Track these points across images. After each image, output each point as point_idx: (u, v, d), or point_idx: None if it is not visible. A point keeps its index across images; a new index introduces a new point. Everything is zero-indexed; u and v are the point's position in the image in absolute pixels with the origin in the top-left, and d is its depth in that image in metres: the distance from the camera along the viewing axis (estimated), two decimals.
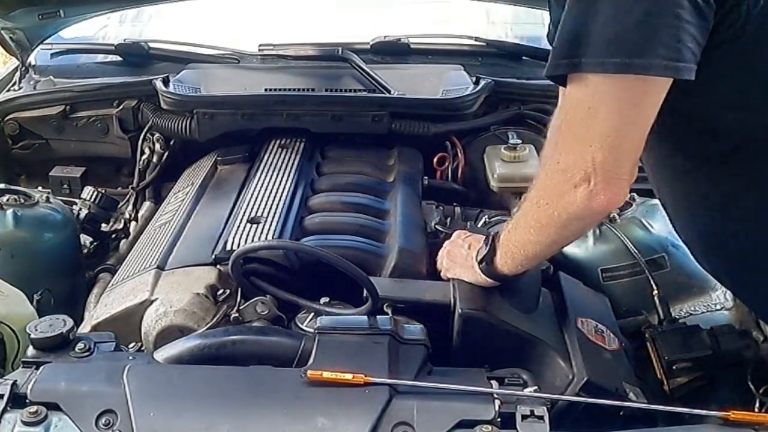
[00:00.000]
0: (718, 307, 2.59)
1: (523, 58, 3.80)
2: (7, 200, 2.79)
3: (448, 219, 2.79)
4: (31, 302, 2.47)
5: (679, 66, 1.74)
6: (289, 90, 3.46)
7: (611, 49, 1.74)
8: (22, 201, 2.82)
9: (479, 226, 2.75)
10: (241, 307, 2.28)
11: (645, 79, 1.76)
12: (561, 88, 1.99)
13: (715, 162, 1.98)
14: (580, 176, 1.85)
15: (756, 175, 1.96)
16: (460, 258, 2.29)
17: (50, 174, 3.50)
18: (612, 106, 1.80)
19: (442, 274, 2.34)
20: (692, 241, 2.23)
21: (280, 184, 2.87)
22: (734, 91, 1.87)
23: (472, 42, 3.85)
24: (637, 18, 1.71)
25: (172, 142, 3.48)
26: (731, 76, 1.85)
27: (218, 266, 2.43)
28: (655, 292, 2.50)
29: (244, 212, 2.67)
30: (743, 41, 1.80)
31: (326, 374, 1.78)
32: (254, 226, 2.58)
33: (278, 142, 3.26)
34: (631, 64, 1.73)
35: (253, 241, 2.48)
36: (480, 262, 2.20)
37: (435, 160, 3.29)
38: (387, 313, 2.13)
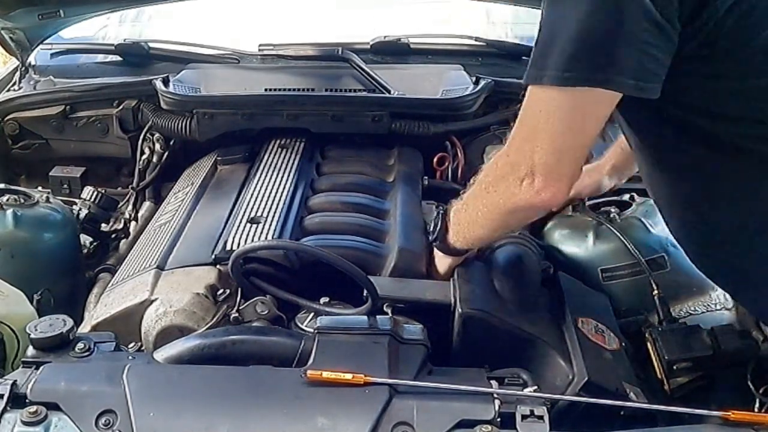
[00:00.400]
0: (718, 307, 2.59)
1: (523, 58, 3.78)
2: (7, 200, 2.79)
3: None
4: (31, 302, 2.47)
5: (640, 84, 1.80)
6: (289, 90, 3.46)
7: (571, 64, 1.80)
8: (22, 201, 2.82)
9: None
10: (241, 307, 2.29)
11: (598, 92, 1.82)
12: None
13: (705, 166, 2.00)
14: (525, 172, 1.95)
15: (746, 178, 1.97)
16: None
17: (50, 174, 3.50)
18: (563, 115, 1.88)
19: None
20: (685, 243, 2.24)
21: (280, 184, 2.87)
22: (709, 101, 1.91)
23: (472, 42, 3.85)
24: (600, 36, 1.78)
25: (172, 142, 3.48)
26: (704, 87, 1.90)
27: (218, 266, 2.43)
28: (655, 292, 2.50)
29: (244, 212, 2.67)
30: (715, 56, 1.83)
31: (326, 374, 1.78)
32: (254, 226, 2.58)
33: (278, 142, 3.26)
34: (588, 79, 1.80)
35: (253, 241, 2.48)
36: (434, 240, 2.37)
37: (435, 160, 3.29)
38: (387, 313, 2.13)
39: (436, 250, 2.41)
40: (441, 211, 2.38)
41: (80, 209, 3.18)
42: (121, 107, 3.56)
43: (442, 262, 2.41)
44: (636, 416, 1.86)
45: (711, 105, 1.90)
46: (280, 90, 3.45)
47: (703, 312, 2.58)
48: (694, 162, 2.00)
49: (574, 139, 1.93)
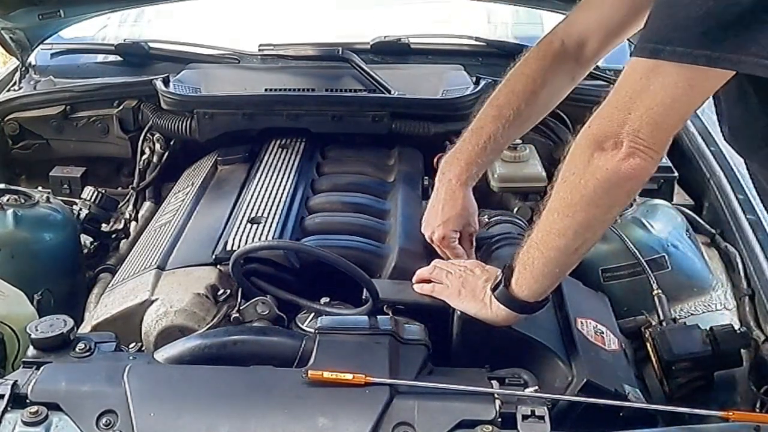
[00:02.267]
0: (719, 307, 2.59)
1: None
2: (8, 200, 2.79)
3: None
4: (32, 302, 2.47)
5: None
6: (290, 90, 3.46)
7: (702, 42, 1.70)
8: (23, 201, 2.81)
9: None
10: (241, 308, 2.28)
11: (719, 72, 1.75)
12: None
13: None
14: (611, 141, 1.82)
15: None
16: (473, 287, 2.16)
17: (50, 174, 3.49)
18: (676, 91, 1.77)
19: (435, 290, 2.23)
20: None
21: (280, 185, 2.87)
22: None
23: (473, 42, 3.85)
24: (733, 15, 1.68)
25: (172, 142, 3.48)
26: None
27: (218, 266, 2.43)
28: (656, 292, 2.50)
29: (245, 212, 2.67)
30: None
31: (327, 374, 1.78)
32: (254, 226, 2.58)
33: (278, 142, 3.26)
34: (720, 58, 1.71)
35: (253, 241, 2.48)
36: (495, 288, 2.07)
37: (435, 160, 3.27)
38: (387, 314, 2.13)
39: (489, 301, 2.09)
40: (508, 263, 2.11)
41: (80, 209, 3.17)
42: (121, 107, 3.55)
43: (499, 316, 2.10)
44: (636, 416, 1.87)
45: None
46: (280, 90, 3.45)
47: (703, 312, 2.59)
48: None
49: (677, 114, 1.82)
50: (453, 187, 2.52)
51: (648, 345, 2.39)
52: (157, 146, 3.46)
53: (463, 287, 2.17)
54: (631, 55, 1.83)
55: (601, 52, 2.50)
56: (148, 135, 3.49)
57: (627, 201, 2.05)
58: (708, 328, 2.34)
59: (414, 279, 2.31)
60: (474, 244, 2.55)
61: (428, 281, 2.27)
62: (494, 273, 2.15)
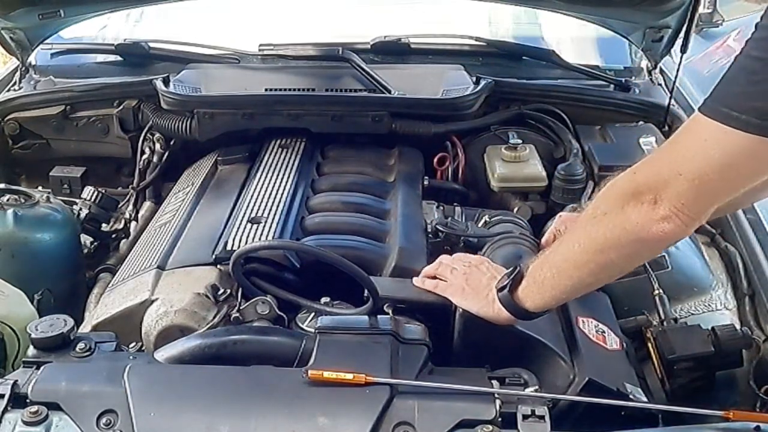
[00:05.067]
0: (719, 306, 2.59)
1: (524, 58, 3.80)
2: (8, 200, 2.79)
3: (449, 219, 2.78)
4: (32, 302, 2.47)
5: None
6: (290, 90, 3.46)
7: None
8: (23, 201, 2.81)
9: (479, 226, 2.74)
10: (241, 307, 2.28)
11: None
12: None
13: None
14: (651, 195, 1.77)
15: None
16: (477, 284, 2.16)
17: (50, 174, 3.50)
18: (736, 161, 1.71)
19: (438, 287, 2.24)
20: None
21: (280, 184, 2.87)
22: None
23: (473, 42, 3.85)
24: None
25: (172, 142, 3.48)
26: None
27: (219, 266, 2.43)
28: (656, 291, 2.50)
29: (245, 212, 2.67)
30: None
31: (327, 374, 1.78)
32: (255, 226, 2.58)
33: (278, 142, 3.26)
34: None
35: (253, 241, 2.48)
36: (501, 290, 2.07)
37: (435, 159, 3.28)
38: (388, 313, 2.13)
39: (493, 300, 2.09)
40: (520, 266, 2.11)
41: (80, 209, 3.18)
42: (121, 107, 3.56)
43: (501, 316, 2.09)
44: (637, 416, 1.87)
45: None
46: (280, 90, 3.45)
47: (703, 312, 2.59)
48: None
49: (728, 187, 1.77)
50: None
51: (649, 345, 2.39)
52: (158, 146, 3.46)
53: (467, 284, 2.17)
54: (699, 110, 1.75)
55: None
56: (149, 135, 3.50)
57: (649, 257, 2.09)
58: (710, 328, 2.34)
59: (420, 275, 2.31)
60: None
61: (433, 277, 2.27)
62: (500, 271, 2.16)
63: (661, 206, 1.75)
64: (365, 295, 2.12)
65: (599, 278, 2.01)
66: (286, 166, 3.04)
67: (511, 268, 2.10)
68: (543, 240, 2.46)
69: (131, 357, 2.03)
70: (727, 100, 1.69)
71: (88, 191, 3.26)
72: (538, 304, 2.04)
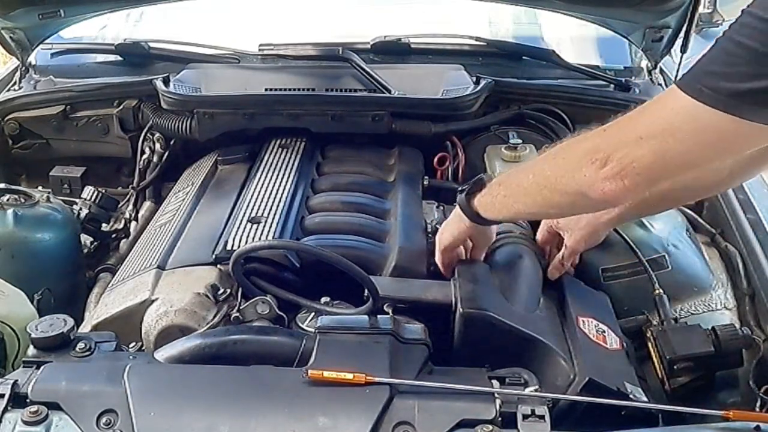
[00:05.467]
0: (719, 306, 2.59)
1: (523, 58, 3.80)
2: (8, 200, 2.79)
3: None
4: (32, 302, 2.47)
5: None
6: (290, 90, 3.46)
7: (747, 98, 1.66)
8: (23, 201, 2.81)
9: None
10: (241, 307, 2.28)
11: (759, 128, 1.70)
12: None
13: None
14: (603, 154, 1.81)
15: None
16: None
17: (50, 174, 3.51)
18: (708, 138, 1.73)
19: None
20: None
21: (280, 184, 2.87)
22: None
23: (473, 42, 3.84)
24: None
25: (172, 142, 3.48)
26: None
27: (219, 266, 2.43)
28: (656, 291, 2.50)
29: (245, 212, 2.68)
30: None
31: (327, 374, 1.78)
32: (255, 225, 2.58)
33: (278, 141, 3.26)
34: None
35: (253, 240, 2.48)
36: (461, 191, 2.28)
37: (435, 159, 3.28)
38: (388, 313, 2.12)
39: (456, 210, 2.31)
40: (484, 175, 2.29)
41: (80, 209, 3.18)
42: (121, 107, 3.56)
43: (453, 224, 2.34)
44: (637, 416, 1.87)
45: None
46: (280, 90, 3.45)
47: (703, 312, 2.59)
48: None
49: (687, 159, 1.78)
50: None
51: (649, 344, 2.40)
52: (158, 146, 3.46)
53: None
54: (675, 83, 1.77)
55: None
56: (149, 135, 3.50)
57: (592, 211, 2.22)
58: (710, 328, 2.35)
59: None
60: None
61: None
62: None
63: (608, 166, 1.80)
64: (365, 294, 2.12)
65: (545, 211, 2.23)
66: (286, 166, 3.04)
67: (475, 178, 2.28)
68: (538, 237, 2.48)
69: (131, 357, 2.03)
70: (704, 77, 1.71)
71: (88, 191, 3.26)
72: (490, 215, 2.23)
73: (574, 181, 1.90)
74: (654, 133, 1.76)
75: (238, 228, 2.57)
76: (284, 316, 2.28)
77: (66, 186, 3.47)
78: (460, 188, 2.31)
